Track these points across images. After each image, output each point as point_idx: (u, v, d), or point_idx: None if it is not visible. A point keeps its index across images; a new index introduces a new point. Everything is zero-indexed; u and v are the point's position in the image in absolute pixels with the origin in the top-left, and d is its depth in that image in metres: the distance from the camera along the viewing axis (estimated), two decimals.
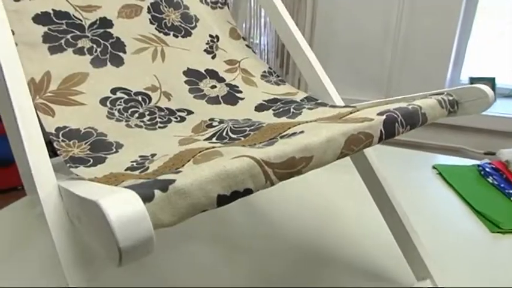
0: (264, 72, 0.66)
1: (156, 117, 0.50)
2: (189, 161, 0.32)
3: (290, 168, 0.27)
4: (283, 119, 0.50)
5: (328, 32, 1.59)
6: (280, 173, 0.27)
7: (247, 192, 0.25)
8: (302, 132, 0.34)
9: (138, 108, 0.51)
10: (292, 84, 1.60)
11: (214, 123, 0.48)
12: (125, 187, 0.22)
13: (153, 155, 0.39)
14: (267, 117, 0.52)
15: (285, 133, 0.37)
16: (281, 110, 0.53)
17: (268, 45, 1.59)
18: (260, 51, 1.60)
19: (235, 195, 0.25)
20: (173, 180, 0.23)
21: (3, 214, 0.65)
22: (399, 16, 1.50)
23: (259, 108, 0.55)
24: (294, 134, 0.35)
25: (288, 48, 0.67)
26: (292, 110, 0.52)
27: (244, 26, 1.73)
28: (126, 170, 0.35)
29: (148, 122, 0.48)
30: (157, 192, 0.22)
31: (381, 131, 0.34)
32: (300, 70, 0.67)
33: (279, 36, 1.53)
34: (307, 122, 0.40)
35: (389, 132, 0.34)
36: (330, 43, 1.60)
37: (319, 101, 0.57)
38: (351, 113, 0.42)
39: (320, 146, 0.29)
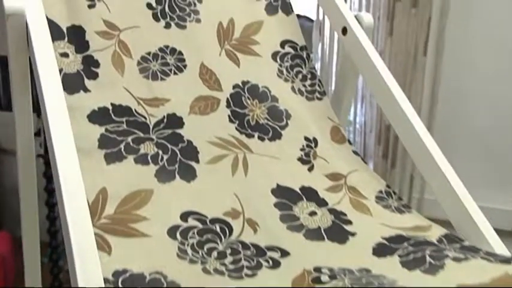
0: (380, 192, 0.72)
1: (240, 260, 0.57)
2: None
3: None
4: (417, 273, 0.53)
5: (454, 112, 1.66)
6: None
7: None
8: None
9: (217, 244, 0.59)
10: (402, 187, 1.64)
11: (324, 278, 0.53)
12: None
13: None
14: (392, 268, 0.55)
15: None
16: (411, 257, 0.57)
17: (366, 126, 1.69)
18: (355, 133, 1.70)
19: None
20: None
21: None
22: None
23: (380, 251, 0.60)
24: None
25: (397, 132, 0.73)
26: (428, 258, 0.55)
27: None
28: None
29: (232, 267, 0.55)
30: None
31: None
32: (420, 170, 0.72)
33: (382, 114, 1.64)
34: None
35: None
36: (455, 127, 1.65)
37: (466, 244, 0.60)
38: None
39: None
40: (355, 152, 0.77)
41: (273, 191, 0.68)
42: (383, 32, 1.63)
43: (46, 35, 0.57)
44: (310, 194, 0.69)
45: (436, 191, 0.68)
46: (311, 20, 2.41)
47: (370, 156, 1.69)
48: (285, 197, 0.67)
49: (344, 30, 0.79)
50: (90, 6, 0.74)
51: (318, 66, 1.99)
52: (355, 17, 0.79)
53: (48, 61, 0.55)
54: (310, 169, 0.73)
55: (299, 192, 0.69)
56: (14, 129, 0.70)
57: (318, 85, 0.84)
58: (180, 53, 0.78)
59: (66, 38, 0.71)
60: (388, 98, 0.73)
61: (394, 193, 0.72)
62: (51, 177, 1.31)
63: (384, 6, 1.66)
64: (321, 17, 1.78)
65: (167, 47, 0.78)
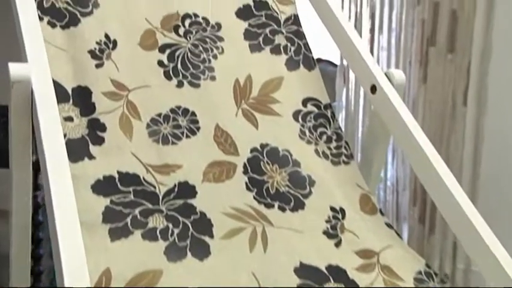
0: (419, 273, 0.71)
1: None
2: None
3: None
4: None
5: (502, 174, 1.61)
6: None
7: None
8: None
9: None
10: (444, 257, 1.58)
11: None
12: None
13: None
14: None
15: None
16: None
17: (399, 184, 1.68)
18: (385, 191, 1.70)
19: None
20: None
21: None
22: None
23: None
24: None
25: (434, 199, 0.71)
26: None
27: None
28: None
29: None
30: None
31: None
32: (461, 243, 0.70)
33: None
34: None
35: None
36: (504, 192, 1.59)
37: None
38: None
39: None
40: (388, 225, 0.77)
41: (296, 270, 0.68)
42: (415, 79, 1.66)
43: (52, 103, 0.60)
44: (338, 274, 0.69)
45: (482, 270, 0.67)
46: (334, 65, 2.45)
47: (404, 219, 1.68)
48: (310, 277, 0.67)
49: (373, 89, 0.81)
50: (98, 66, 0.78)
51: (342, 116, 2.01)
52: (385, 74, 0.81)
53: (54, 132, 0.57)
54: (338, 244, 0.73)
55: (325, 271, 0.68)
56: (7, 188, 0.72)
57: (345, 147, 0.85)
58: (193, 113, 0.81)
59: (71, 100, 0.74)
60: (422, 161, 0.74)
61: (436, 274, 0.71)
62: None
63: (416, 50, 1.69)
64: (345, 62, 1.81)
65: (179, 107, 0.81)
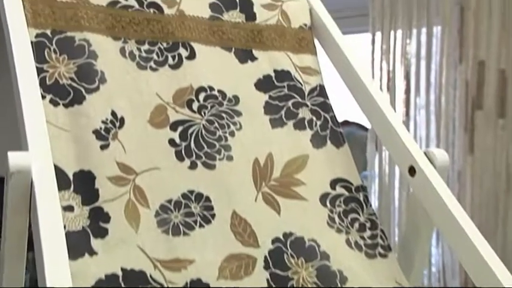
0: None
1: None
2: None
3: None
4: None
5: None
6: None
7: None
8: None
9: None
10: None
11: None
12: None
13: None
14: None
15: None
16: None
17: (446, 271, 1.66)
18: (430, 278, 1.67)
19: None
20: None
21: None
22: None
23: None
24: None
25: None
26: None
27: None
28: None
29: None
30: None
31: None
32: None
33: None
34: None
35: None
36: None
37: None
38: None
39: None
40: None
41: None
42: (460, 148, 1.67)
43: (53, 196, 0.62)
44: None
45: None
46: (363, 128, 2.46)
47: None
48: None
49: (411, 170, 0.82)
50: (103, 147, 0.81)
51: (374, 188, 2.00)
52: (425, 153, 0.83)
53: (54, 229, 0.60)
54: None
55: None
56: None
57: (381, 237, 0.86)
58: (208, 199, 0.83)
59: (71, 187, 0.77)
60: (474, 260, 0.74)
61: None
62: None
63: (459, 115, 1.71)
64: None
65: (192, 192, 0.83)
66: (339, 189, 0.89)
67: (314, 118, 0.95)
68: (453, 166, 1.64)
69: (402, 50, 1.88)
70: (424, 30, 1.88)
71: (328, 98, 0.98)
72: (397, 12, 1.88)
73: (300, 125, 0.94)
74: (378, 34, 1.96)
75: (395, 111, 1.83)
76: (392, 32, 1.91)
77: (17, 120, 0.71)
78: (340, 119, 0.99)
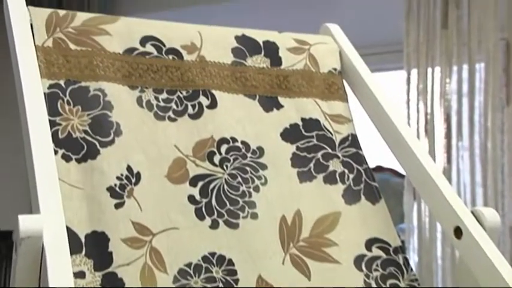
0: None
1: None
2: None
3: None
4: None
5: None
6: None
7: None
8: None
9: None
10: None
11: None
12: None
13: None
14: None
15: None
16: None
17: None
18: None
19: None
20: None
21: None
22: None
23: None
24: None
25: None
26: None
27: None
28: None
29: None
30: None
31: None
32: None
33: None
34: None
35: None
36: None
37: None
38: None
39: None
40: None
41: None
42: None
43: (66, 261, 0.64)
44: None
45: None
46: (399, 175, 2.45)
47: None
48: None
49: (457, 231, 0.83)
50: (118, 206, 0.83)
51: (413, 243, 1.99)
52: (472, 213, 0.83)
53: None
54: None
55: None
56: None
57: None
58: (230, 262, 0.84)
59: (83, 251, 0.79)
60: None
61: None
62: None
63: (509, 162, 1.71)
64: None
65: (213, 254, 0.84)
66: (376, 251, 0.90)
67: (346, 171, 0.96)
68: (503, 219, 1.62)
69: (441, 89, 1.89)
70: (465, 67, 1.89)
71: (361, 149, 1.00)
72: (434, 48, 1.90)
73: (330, 179, 0.95)
74: (414, 72, 1.97)
75: (435, 158, 1.83)
76: (429, 70, 1.93)
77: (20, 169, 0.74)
78: (372, 164, 0.99)
